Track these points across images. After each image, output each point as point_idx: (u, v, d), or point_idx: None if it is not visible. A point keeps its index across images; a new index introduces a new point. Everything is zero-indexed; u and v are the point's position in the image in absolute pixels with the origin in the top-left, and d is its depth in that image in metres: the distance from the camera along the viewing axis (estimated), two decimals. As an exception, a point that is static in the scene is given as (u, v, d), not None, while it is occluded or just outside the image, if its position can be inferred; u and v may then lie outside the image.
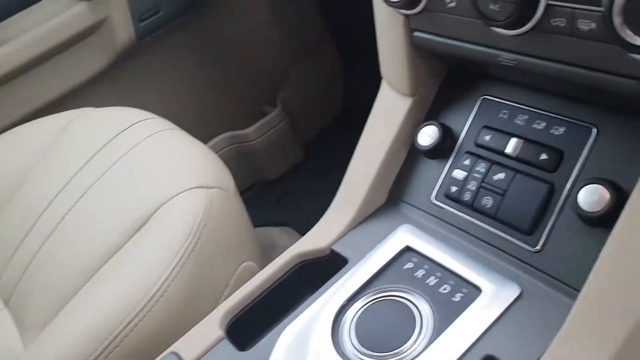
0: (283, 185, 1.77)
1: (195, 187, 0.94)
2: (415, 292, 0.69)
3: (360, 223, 0.81)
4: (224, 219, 0.95)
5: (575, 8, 0.57)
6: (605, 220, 0.62)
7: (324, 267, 0.78)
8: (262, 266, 0.82)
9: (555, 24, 0.60)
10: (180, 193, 0.93)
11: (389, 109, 0.84)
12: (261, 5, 1.68)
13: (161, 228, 0.89)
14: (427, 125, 0.79)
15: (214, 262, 0.89)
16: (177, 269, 0.84)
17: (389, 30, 0.79)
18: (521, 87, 0.74)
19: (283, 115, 1.77)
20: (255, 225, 1.66)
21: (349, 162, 0.86)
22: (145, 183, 1.00)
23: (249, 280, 0.79)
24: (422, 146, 0.78)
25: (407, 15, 0.75)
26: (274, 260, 0.81)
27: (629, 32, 0.52)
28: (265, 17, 1.70)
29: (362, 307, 0.69)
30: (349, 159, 0.86)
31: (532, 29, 0.62)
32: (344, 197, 0.84)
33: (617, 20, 0.51)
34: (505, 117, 0.75)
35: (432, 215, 0.78)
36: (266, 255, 1.12)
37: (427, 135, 0.78)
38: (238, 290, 0.77)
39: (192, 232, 0.87)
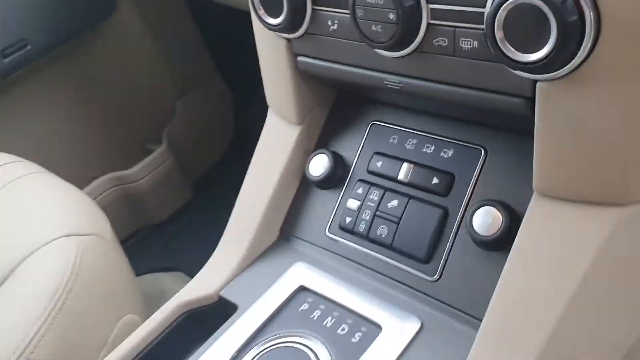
0: (172, 227, 1.67)
1: (64, 236, 0.84)
2: (311, 335, 0.63)
3: (250, 264, 0.75)
4: (100, 269, 0.86)
5: (457, 27, 0.56)
6: (500, 243, 0.61)
7: (212, 316, 0.71)
8: (146, 319, 0.73)
9: (438, 44, 0.58)
10: (46, 244, 0.83)
11: (277, 139, 0.79)
12: (142, 38, 1.59)
13: (22, 287, 0.78)
14: (317, 154, 0.75)
15: (88, 320, 0.79)
16: (41, 333, 0.73)
17: (271, 55, 0.75)
18: (410, 111, 0.73)
19: (169, 152, 1.67)
20: (143, 272, 1.56)
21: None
22: (5, 234, 0.88)
23: (130, 335, 0.70)
24: (314, 177, 0.74)
25: (289, 40, 0.71)
26: (157, 312, 0.73)
27: (510, 47, 0.50)
28: (148, 50, 1.62)
29: (255, 357, 0.62)
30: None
31: (416, 49, 0.60)
32: (232, 238, 0.78)
33: (498, 35, 0.50)
34: (396, 142, 0.73)
35: (327, 249, 0.73)
36: (155, 304, 1.02)
37: (318, 165, 0.75)
38: (118, 348, 0.69)
39: (58, 288, 0.76)
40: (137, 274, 1.55)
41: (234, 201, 0.80)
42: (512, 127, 0.64)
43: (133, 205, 1.64)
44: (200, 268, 0.78)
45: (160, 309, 0.73)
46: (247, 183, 0.80)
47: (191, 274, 1.52)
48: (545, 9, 0.47)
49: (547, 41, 0.48)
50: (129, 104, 1.64)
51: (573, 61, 0.49)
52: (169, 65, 1.66)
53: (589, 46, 0.48)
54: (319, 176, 0.74)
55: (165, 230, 1.68)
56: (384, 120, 0.75)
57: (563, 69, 0.50)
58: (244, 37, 0.80)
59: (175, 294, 0.75)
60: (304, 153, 0.77)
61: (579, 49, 0.48)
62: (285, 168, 0.76)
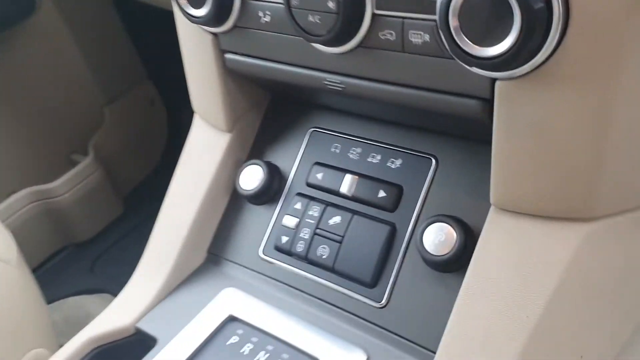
0: (99, 245, 1.57)
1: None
2: (241, 375, 0.55)
3: (173, 291, 0.67)
4: (2, 299, 0.74)
5: (406, 17, 0.49)
6: (454, 264, 0.54)
7: (128, 351, 0.63)
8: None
9: (384, 37, 0.51)
10: None
11: (204, 149, 0.70)
12: (66, 41, 1.49)
13: None
14: (249, 165, 0.68)
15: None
16: None
17: (196, 53, 0.66)
18: (354, 116, 0.66)
19: (96, 164, 1.57)
20: (66, 295, 1.46)
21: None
22: None
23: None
24: (246, 190, 0.66)
25: (215, 35, 0.63)
26: (63, 347, 0.65)
27: (466, 39, 0.44)
28: (72, 53, 1.52)
29: (175, 403, 0.53)
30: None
31: (359, 45, 0.53)
32: (152, 260, 0.69)
33: (453, 23, 0.43)
34: (338, 151, 0.65)
35: (260, 273, 0.66)
36: (76, 332, 0.93)
37: (251, 177, 0.67)
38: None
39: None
40: (60, 297, 1.45)
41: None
42: (467, 133, 0.58)
43: (56, 221, 1.54)
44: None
45: (68, 343, 0.65)
46: (170, 198, 0.71)
47: (119, 296, 1.42)
48: (508, -5, 0.41)
49: (509, 32, 0.42)
50: (52, 111, 1.54)
51: (538, 56, 0.43)
52: (96, 69, 1.57)
53: (556, 38, 0.42)
54: (251, 190, 0.66)
55: (92, 248, 1.58)
56: (325, 127, 0.68)
57: (526, 65, 0.44)
58: (176, 39, 0.73)
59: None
60: (234, 164, 0.69)
61: (544, 42, 0.42)
62: (213, 181, 0.68)
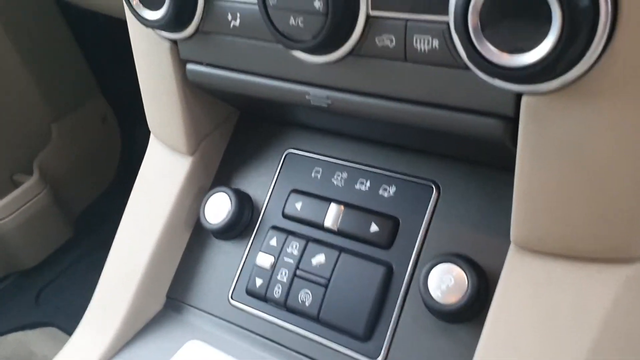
0: (45, 273, 1.47)
1: None
2: None
3: (127, 344, 0.58)
4: None
5: (410, 20, 0.40)
6: (466, 314, 0.45)
7: None
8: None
9: (382, 44, 0.42)
10: None
11: (161, 175, 0.61)
12: (7, 51, 1.38)
13: None
14: (215, 193, 0.59)
15: None
16: None
17: (151, 63, 0.57)
18: (337, 135, 0.56)
19: (42, 185, 1.47)
20: (8, 331, 1.34)
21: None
22: None
23: None
24: (212, 224, 0.57)
25: (174, 41, 0.53)
26: None
27: (488, 45, 0.35)
28: (14, 64, 1.42)
29: None
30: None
31: (351, 52, 0.44)
32: (101, 306, 0.59)
33: (472, 23, 0.35)
34: (319, 176, 0.57)
35: (230, 322, 0.57)
36: None
37: (217, 208, 0.58)
38: None
39: None
40: (1, 333, 1.33)
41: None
42: (475, 157, 0.49)
43: (-4, 248, 1.43)
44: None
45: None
46: (123, 232, 0.62)
47: (67, 330, 1.31)
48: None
49: (544, 36, 0.34)
50: (-7, 127, 1.41)
51: (579, 65, 0.35)
52: (42, 82, 1.48)
53: (602, 43, 0.34)
54: (218, 223, 0.56)
55: (37, 277, 1.48)
56: (303, 148, 0.60)
57: (563, 77, 0.35)
58: (129, 50, 0.64)
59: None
60: (197, 192, 0.60)
61: (587, 48, 0.34)
62: (172, 212, 0.59)
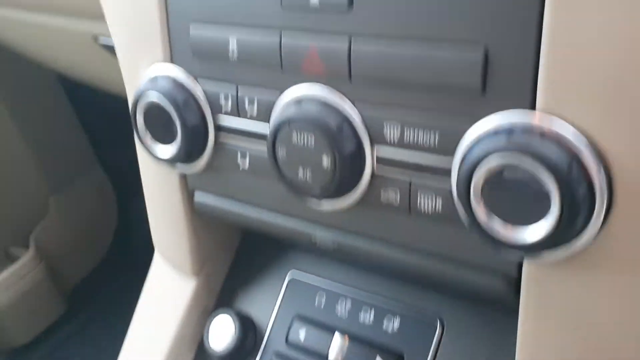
0: (37, 351, 1.43)
1: None
2: None
3: None
4: None
5: (413, 181, 0.42)
6: None
7: None
8: None
9: (387, 200, 0.43)
10: None
11: (165, 295, 0.61)
12: (6, 122, 1.37)
13: None
14: (219, 315, 0.58)
15: None
16: None
17: (160, 189, 0.58)
18: (342, 260, 0.57)
19: (37, 259, 1.45)
20: None
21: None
22: None
23: None
24: (216, 352, 0.56)
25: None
26: None
27: (495, 217, 0.37)
28: (12, 138, 1.40)
29: None
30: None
31: (358, 203, 0.45)
32: None
33: (478, 206, 0.36)
34: (323, 303, 0.57)
35: None
36: None
37: (221, 333, 0.57)
38: None
39: None
40: None
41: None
42: (481, 299, 0.50)
43: (-11, 325, 1.38)
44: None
45: None
46: (127, 353, 0.60)
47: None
48: (545, 176, 0.34)
49: (545, 215, 0.35)
50: (-12, 199, 1.39)
51: (579, 240, 0.36)
52: (40, 154, 1.46)
53: (600, 222, 0.35)
54: (222, 351, 0.56)
55: (29, 355, 1.44)
56: (307, 270, 0.59)
57: (564, 249, 0.37)
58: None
59: None
60: (201, 314, 0.59)
61: (586, 225, 0.36)
62: (177, 334, 0.59)
